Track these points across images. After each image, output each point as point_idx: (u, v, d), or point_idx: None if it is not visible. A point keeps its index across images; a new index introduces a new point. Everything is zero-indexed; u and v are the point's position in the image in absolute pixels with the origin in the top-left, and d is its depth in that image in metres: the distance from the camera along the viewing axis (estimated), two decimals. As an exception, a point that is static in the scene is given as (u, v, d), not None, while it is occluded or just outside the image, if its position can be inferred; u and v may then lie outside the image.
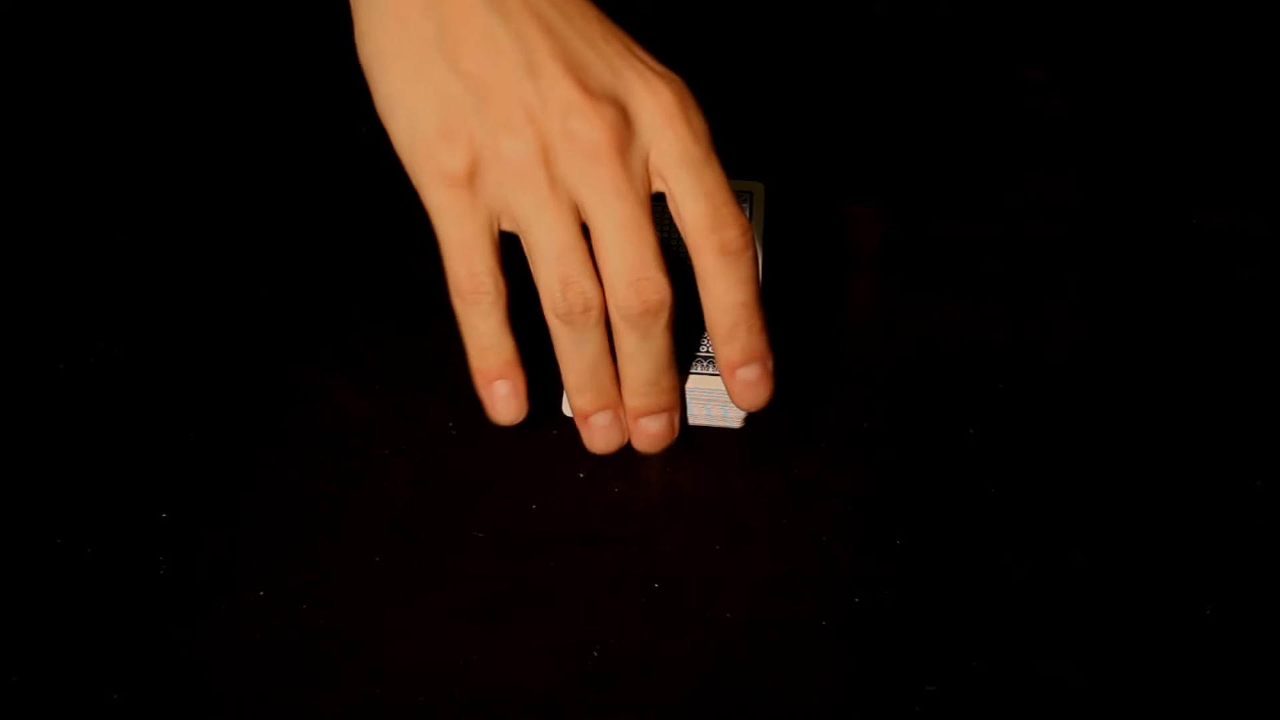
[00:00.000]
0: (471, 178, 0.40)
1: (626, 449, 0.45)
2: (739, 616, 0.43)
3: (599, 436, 0.44)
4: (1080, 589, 0.43)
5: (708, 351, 0.46)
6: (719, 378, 0.45)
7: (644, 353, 0.42)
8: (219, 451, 0.47)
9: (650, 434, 0.44)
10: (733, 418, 0.47)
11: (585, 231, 0.41)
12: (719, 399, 0.46)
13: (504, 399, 0.43)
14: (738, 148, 0.51)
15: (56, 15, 0.62)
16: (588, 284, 0.41)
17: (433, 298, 0.51)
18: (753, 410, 0.44)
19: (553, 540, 0.45)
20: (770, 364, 0.43)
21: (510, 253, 0.42)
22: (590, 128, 0.39)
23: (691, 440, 0.47)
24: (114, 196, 0.55)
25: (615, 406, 0.44)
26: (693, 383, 0.45)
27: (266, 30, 0.61)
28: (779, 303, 0.49)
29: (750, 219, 0.49)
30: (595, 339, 0.42)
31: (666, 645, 0.42)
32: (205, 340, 0.50)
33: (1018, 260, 0.53)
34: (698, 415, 0.47)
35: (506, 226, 0.41)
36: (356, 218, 0.54)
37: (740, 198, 0.46)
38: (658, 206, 0.42)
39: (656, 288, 0.41)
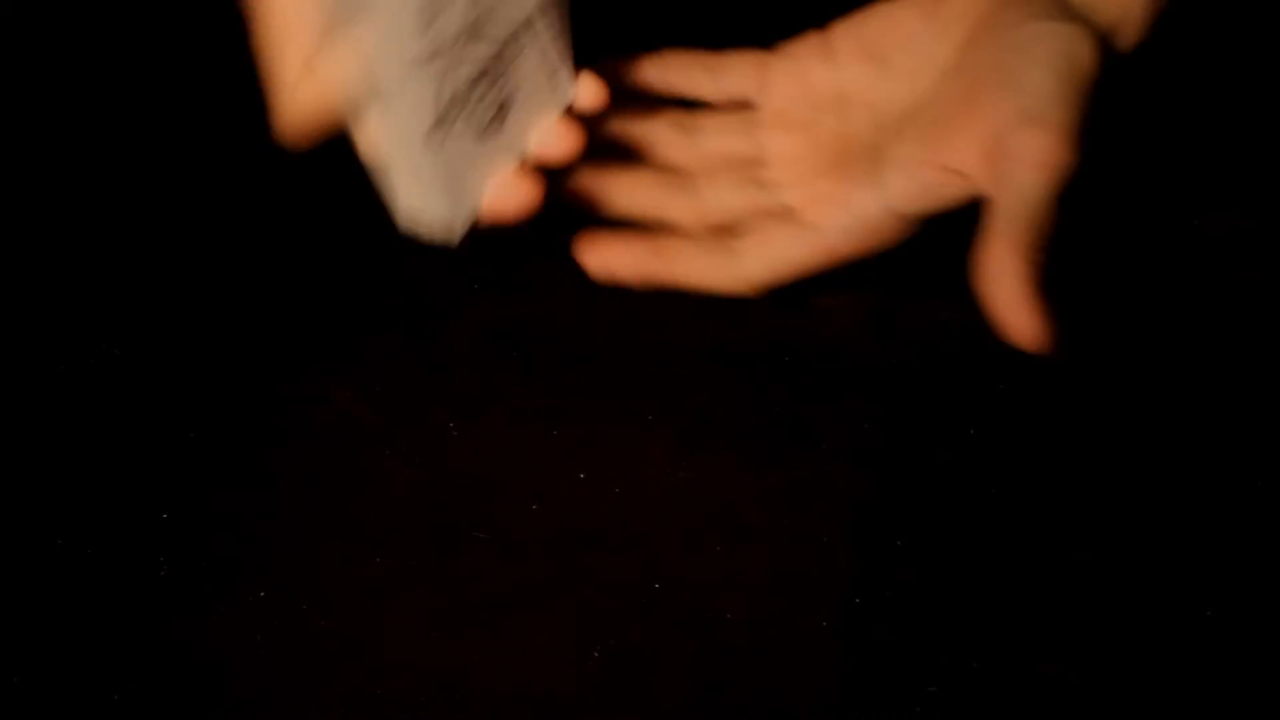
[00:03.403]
0: None
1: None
2: (739, 616, 0.43)
3: None
4: (1081, 590, 0.43)
5: None
6: None
7: None
8: (219, 452, 0.47)
9: None
10: None
11: None
12: None
13: None
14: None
15: (56, 15, 0.62)
16: None
17: (433, 298, 0.51)
18: None
19: (553, 541, 0.45)
20: None
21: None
22: None
23: (692, 440, 0.47)
24: (114, 196, 0.55)
25: None
26: None
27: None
28: (780, 303, 0.49)
29: None
30: None
31: (666, 645, 0.42)
32: (205, 340, 0.50)
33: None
34: None
35: None
36: (357, 218, 0.54)
37: None
38: None
39: None
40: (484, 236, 0.51)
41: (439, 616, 0.43)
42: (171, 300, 0.51)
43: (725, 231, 0.47)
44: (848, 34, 0.49)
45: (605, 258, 0.46)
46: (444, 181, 0.42)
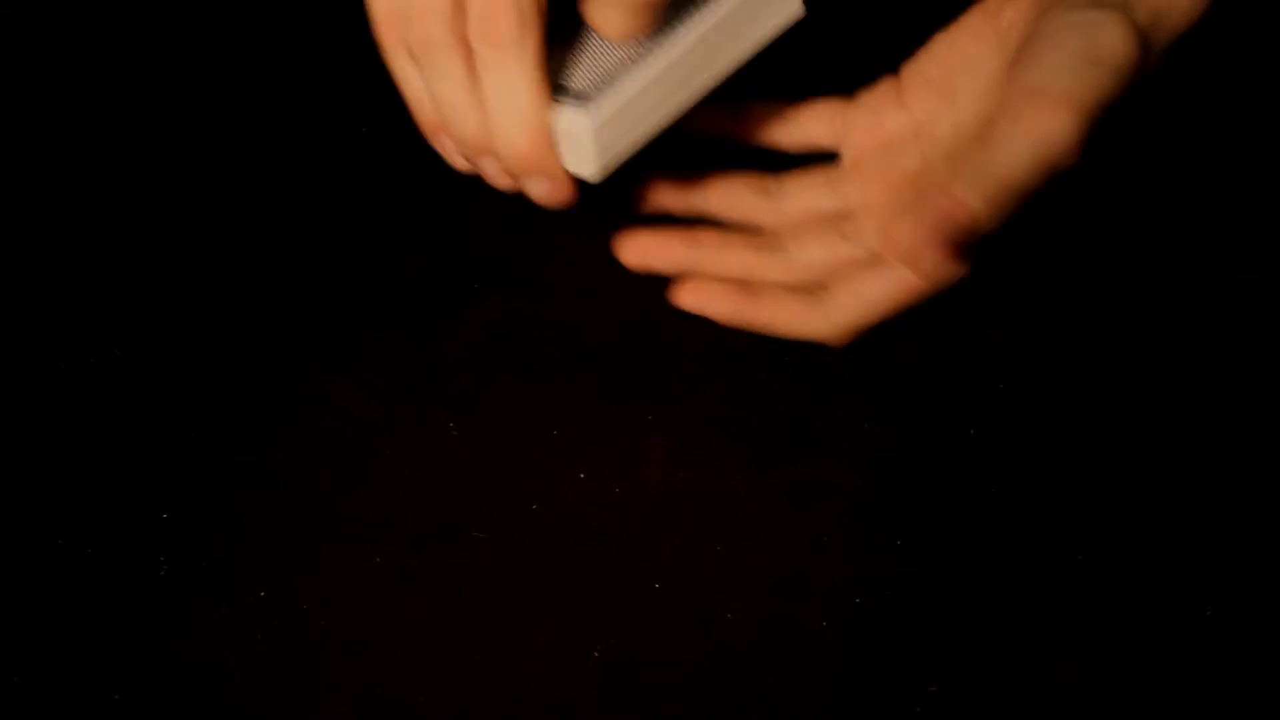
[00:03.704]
0: None
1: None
2: (739, 616, 0.43)
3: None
4: (1081, 589, 0.43)
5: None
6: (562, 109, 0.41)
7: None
8: (219, 451, 0.47)
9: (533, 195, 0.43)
10: (581, 161, 0.42)
11: None
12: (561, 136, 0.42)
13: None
14: (738, 147, 0.51)
15: (56, 15, 0.62)
16: None
17: (433, 298, 0.51)
18: (618, 35, 0.41)
19: (553, 540, 0.45)
20: None
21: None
22: None
23: (692, 440, 0.47)
24: (114, 196, 0.55)
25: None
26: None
27: (267, 30, 0.61)
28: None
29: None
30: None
31: (666, 645, 0.42)
32: (205, 340, 0.50)
33: (1018, 260, 0.52)
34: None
35: None
36: (356, 217, 0.54)
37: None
38: None
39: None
40: (484, 236, 0.51)
41: (439, 616, 0.43)
42: (171, 300, 0.51)
43: (816, 285, 0.47)
44: (915, 72, 0.49)
45: (702, 296, 0.47)
46: (635, 124, 0.43)
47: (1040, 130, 0.39)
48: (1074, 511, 0.45)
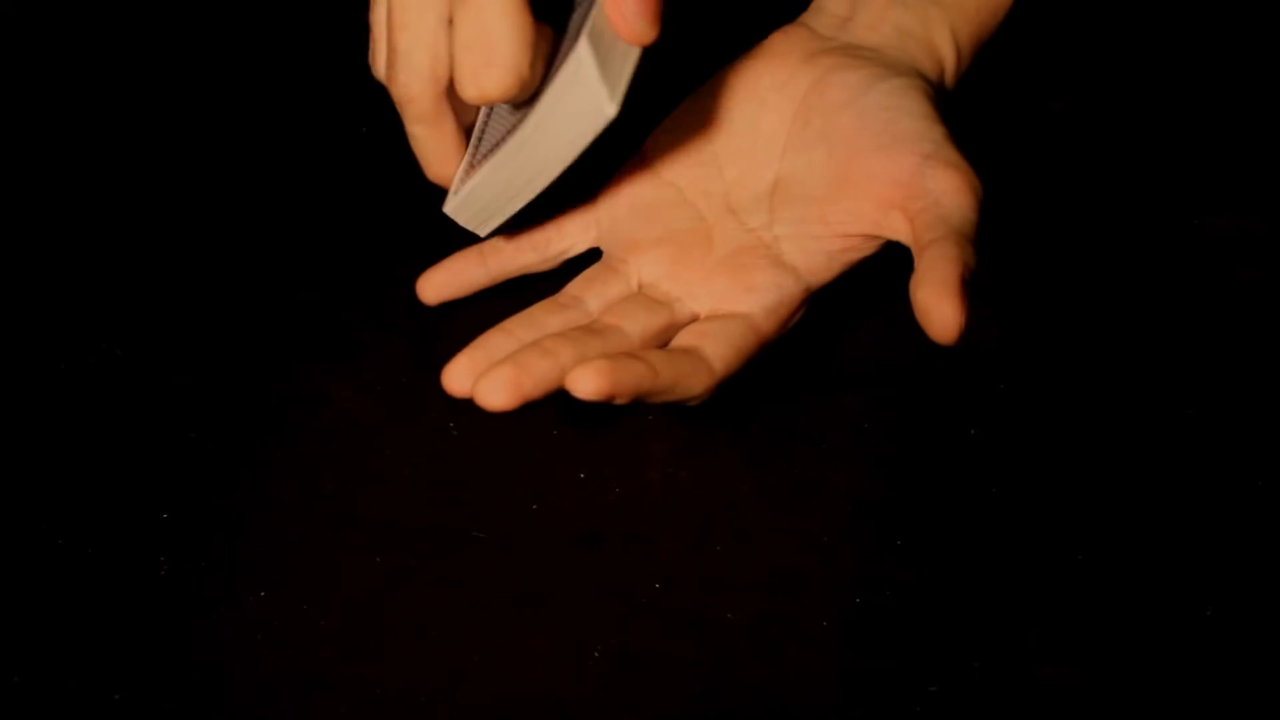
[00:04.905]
0: None
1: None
2: (739, 616, 0.43)
3: None
4: (1081, 589, 0.43)
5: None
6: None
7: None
8: (219, 451, 0.47)
9: None
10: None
11: None
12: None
13: None
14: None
15: (56, 15, 0.62)
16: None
17: (433, 298, 0.51)
18: (637, 40, 0.41)
19: (553, 540, 0.45)
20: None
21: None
22: None
23: (692, 440, 0.47)
24: (114, 196, 0.55)
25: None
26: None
27: (267, 30, 0.61)
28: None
29: None
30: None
31: (666, 645, 0.42)
32: (205, 340, 0.50)
33: (1018, 260, 0.53)
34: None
35: None
36: (357, 218, 0.54)
37: None
38: None
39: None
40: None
41: (439, 616, 0.43)
42: (171, 300, 0.51)
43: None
44: (664, 144, 0.49)
45: (606, 376, 0.40)
46: (490, 201, 0.46)
47: (973, 191, 0.44)
48: (1074, 511, 0.45)
